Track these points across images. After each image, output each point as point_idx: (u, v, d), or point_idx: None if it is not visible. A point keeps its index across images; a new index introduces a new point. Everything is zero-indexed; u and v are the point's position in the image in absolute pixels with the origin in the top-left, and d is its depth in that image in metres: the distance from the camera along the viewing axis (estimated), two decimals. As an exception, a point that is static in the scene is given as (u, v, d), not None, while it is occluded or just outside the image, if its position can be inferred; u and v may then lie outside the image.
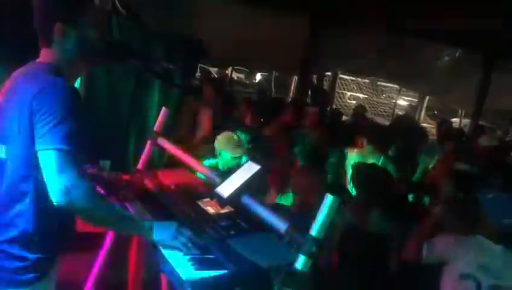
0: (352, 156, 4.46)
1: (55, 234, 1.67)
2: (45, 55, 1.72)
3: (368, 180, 3.37)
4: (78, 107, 1.61)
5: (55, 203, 1.49)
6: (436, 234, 2.84)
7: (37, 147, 1.51)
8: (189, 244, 1.69)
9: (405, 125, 6.45)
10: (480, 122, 9.36)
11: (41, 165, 1.51)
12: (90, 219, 1.63)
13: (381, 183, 3.36)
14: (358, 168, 3.57)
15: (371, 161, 4.23)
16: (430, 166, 4.92)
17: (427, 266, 2.83)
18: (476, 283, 2.54)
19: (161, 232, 1.71)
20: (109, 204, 1.71)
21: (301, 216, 2.51)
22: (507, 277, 2.52)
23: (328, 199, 1.38)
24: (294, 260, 1.40)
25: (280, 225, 1.54)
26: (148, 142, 2.63)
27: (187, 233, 1.73)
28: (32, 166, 1.55)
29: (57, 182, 1.49)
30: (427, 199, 4.47)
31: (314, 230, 1.38)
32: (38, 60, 1.73)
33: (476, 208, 2.76)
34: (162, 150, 2.60)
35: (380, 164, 4.20)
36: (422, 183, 4.67)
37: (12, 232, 1.60)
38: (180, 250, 1.68)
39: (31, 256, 1.61)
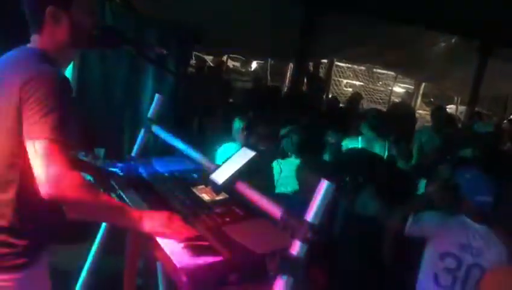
0: (354, 143, 4.50)
1: (44, 221, 1.65)
2: (36, 41, 1.68)
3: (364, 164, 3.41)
4: (68, 96, 1.58)
5: (43, 194, 1.46)
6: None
7: (26, 136, 1.48)
8: (180, 233, 1.66)
9: (401, 112, 6.49)
10: (476, 109, 9.36)
11: (30, 155, 1.48)
12: (79, 211, 1.59)
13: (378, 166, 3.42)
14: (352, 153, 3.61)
15: (376, 146, 4.30)
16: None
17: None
18: (456, 261, 2.61)
19: (152, 222, 1.66)
20: (99, 195, 1.67)
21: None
22: (488, 256, 2.64)
23: (325, 183, 1.36)
24: (289, 246, 1.38)
25: (275, 210, 1.52)
26: (142, 129, 2.60)
27: (178, 221, 1.70)
28: (18, 155, 1.52)
29: (45, 172, 1.45)
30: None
31: (310, 215, 1.36)
32: (28, 46, 1.68)
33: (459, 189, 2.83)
34: (156, 137, 2.57)
35: (385, 149, 4.28)
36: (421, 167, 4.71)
37: (1, 221, 1.58)
38: (172, 239, 1.65)
39: (20, 243, 1.60)
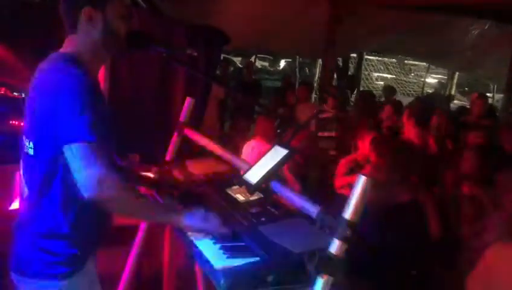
0: None
1: (87, 229, 1.66)
2: (68, 44, 1.70)
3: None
4: (98, 99, 1.59)
5: (85, 197, 1.47)
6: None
7: (61, 141, 1.50)
8: (219, 228, 1.66)
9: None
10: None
11: (68, 159, 1.50)
12: (122, 210, 1.62)
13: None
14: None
15: None
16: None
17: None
18: None
19: (192, 217, 1.67)
20: (138, 194, 1.70)
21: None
22: None
23: (361, 178, 1.32)
24: (328, 245, 1.36)
25: (311, 209, 1.49)
26: (175, 133, 2.62)
27: (217, 218, 1.69)
28: (59, 161, 1.54)
29: (85, 175, 1.47)
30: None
31: (348, 212, 1.33)
32: (60, 50, 1.70)
33: None
34: (189, 140, 2.58)
35: None
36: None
37: (43, 228, 1.61)
38: (210, 234, 1.66)
39: (63, 251, 1.62)
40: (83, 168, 1.47)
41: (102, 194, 1.48)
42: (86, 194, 1.47)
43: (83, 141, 1.48)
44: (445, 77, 14.52)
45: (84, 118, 1.48)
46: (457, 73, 12.65)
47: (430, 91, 14.51)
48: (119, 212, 1.66)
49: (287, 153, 1.83)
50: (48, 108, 1.52)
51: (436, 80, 16.67)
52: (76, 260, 1.65)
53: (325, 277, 1.34)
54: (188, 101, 2.60)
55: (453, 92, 12.81)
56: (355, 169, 3.88)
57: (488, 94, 9.75)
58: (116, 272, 2.66)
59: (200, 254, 1.59)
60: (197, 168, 2.43)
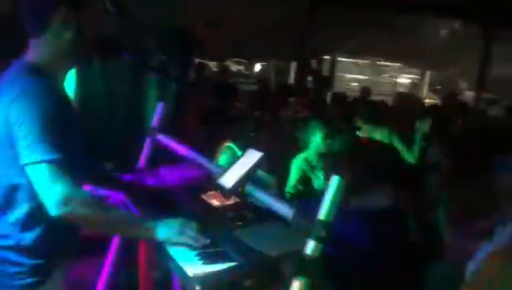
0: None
1: (54, 241, 1.60)
2: (33, 49, 1.59)
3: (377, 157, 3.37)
4: (65, 109, 1.53)
5: (52, 216, 1.43)
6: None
7: (23, 160, 1.42)
8: (196, 239, 1.62)
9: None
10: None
11: (32, 178, 1.43)
12: (91, 226, 1.59)
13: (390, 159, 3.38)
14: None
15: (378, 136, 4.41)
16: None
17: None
18: None
19: (166, 230, 1.63)
20: (109, 208, 1.65)
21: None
22: None
23: (334, 179, 1.31)
24: (303, 247, 1.34)
25: (286, 211, 1.48)
26: (147, 139, 2.58)
27: (193, 227, 1.66)
28: (22, 175, 1.46)
29: (51, 194, 1.42)
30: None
31: (322, 213, 1.32)
32: (25, 58, 1.60)
33: None
34: (162, 146, 2.55)
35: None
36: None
37: (8, 241, 1.55)
38: (187, 246, 1.61)
39: (28, 262, 1.56)
40: (47, 188, 1.42)
41: (68, 212, 1.43)
42: (52, 213, 1.43)
43: (46, 160, 1.41)
44: (417, 77, 14.75)
45: (49, 134, 1.42)
46: (428, 72, 12.86)
47: (403, 90, 14.69)
48: (89, 228, 1.61)
49: (261, 156, 1.82)
50: (9, 124, 1.44)
51: (408, 80, 16.91)
52: (42, 270, 1.59)
53: (302, 279, 1.32)
54: (160, 106, 2.56)
55: (425, 91, 13.02)
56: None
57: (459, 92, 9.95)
58: (92, 282, 2.61)
59: (175, 262, 1.56)
60: (170, 174, 2.40)
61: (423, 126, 4.86)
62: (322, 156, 3.71)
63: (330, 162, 3.23)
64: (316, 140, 3.74)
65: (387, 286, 2.98)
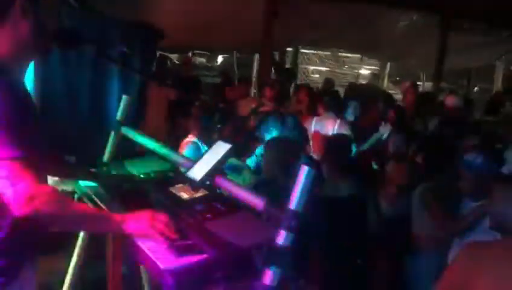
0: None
1: (20, 241, 1.56)
2: None
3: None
4: (24, 105, 1.48)
5: (16, 214, 1.40)
6: None
7: None
8: (166, 232, 1.61)
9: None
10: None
11: None
12: (57, 223, 1.55)
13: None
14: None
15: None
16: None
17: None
18: None
19: (135, 223, 1.62)
20: (74, 205, 1.62)
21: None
22: None
23: (305, 169, 1.33)
24: (275, 237, 1.36)
25: (257, 202, 1.49)
26: (112, 132, 2.54)
27: (163, 220, 1.64)
28: None
29: (13, 193, 1.38)
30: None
31: (293, 203, 1.34)
32: None
33: None
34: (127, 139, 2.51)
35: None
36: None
37: None
38: (157, 239, 1.60)
39: None
40: (10, 186, 1.39)
41: (33, 210, 1.40)
42: (17, 212, 1.40)
43: (7, 158, 1.38)
44: (378, 68, 14.99)
45: (8, 131, 1.38)
46: (388, 63, 13.09)
47: (364, 82, 14.92)
48: (55, 226, 1.58)
49: (230, 148, 1.82)
50: None
51: (369, 71, 17.19)
52: (7, 270, 1.55)
53: (273, 269, 1.34)
54: (124, 100, 2.53)
55: (385, 82, 13.26)
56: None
57: (418, 83, 10.18)
58: (58, 279, 2.57)
59: (145, 255, 1.55)
60: (136, 167, 2.37)
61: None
62: None
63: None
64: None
65: (346, 273, 3.08)
